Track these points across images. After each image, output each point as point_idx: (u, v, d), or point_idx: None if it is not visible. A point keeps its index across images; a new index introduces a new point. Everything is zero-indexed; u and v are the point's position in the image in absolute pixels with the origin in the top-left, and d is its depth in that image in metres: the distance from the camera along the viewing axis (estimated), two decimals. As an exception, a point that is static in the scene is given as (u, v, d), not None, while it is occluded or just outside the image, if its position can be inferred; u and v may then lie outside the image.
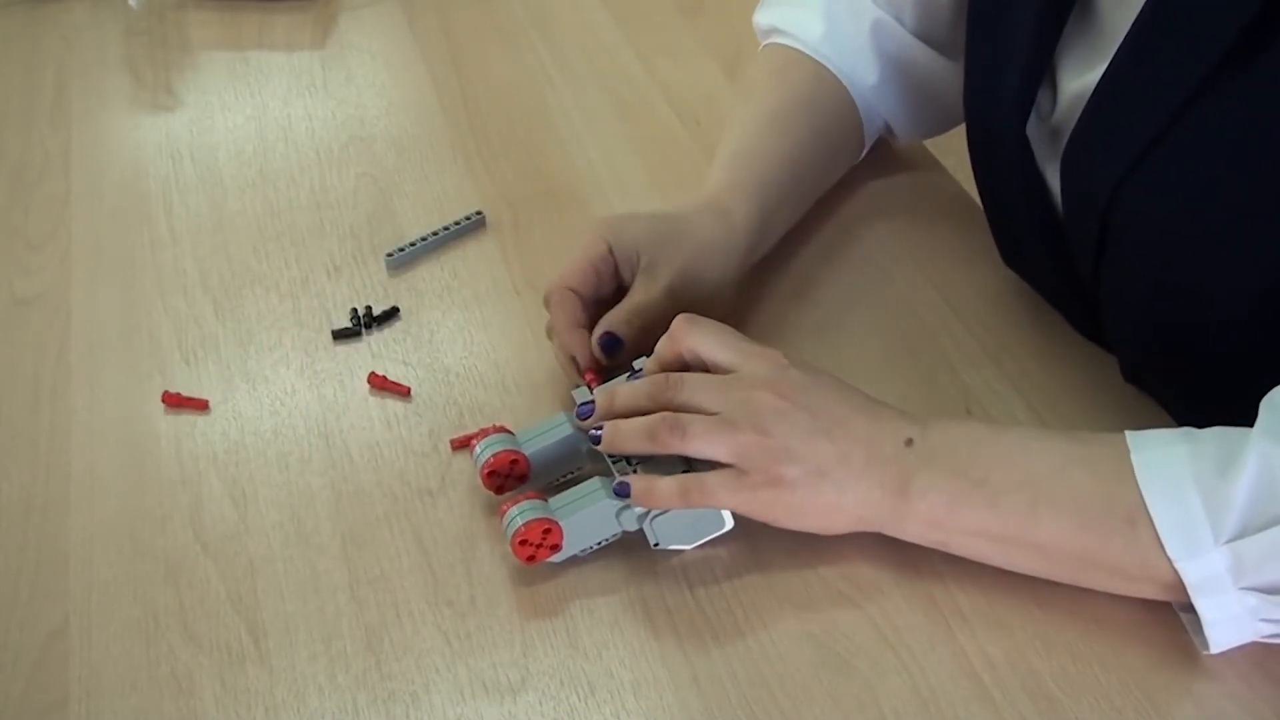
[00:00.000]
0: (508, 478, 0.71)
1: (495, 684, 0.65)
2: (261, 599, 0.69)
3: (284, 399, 0.80)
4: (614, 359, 0.74)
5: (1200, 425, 0.61)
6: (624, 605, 0.68)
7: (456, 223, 0.91)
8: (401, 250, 0.89)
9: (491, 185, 0.95)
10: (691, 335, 0.69)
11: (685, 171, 0.95)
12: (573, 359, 0.74)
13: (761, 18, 0.90)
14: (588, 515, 0.67)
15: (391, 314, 0.85)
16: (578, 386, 0.73)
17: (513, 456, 0.70)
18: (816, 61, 0.86)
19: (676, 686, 0.64)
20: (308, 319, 0.85)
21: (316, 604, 0.69)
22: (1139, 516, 0.59)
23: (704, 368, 0.69)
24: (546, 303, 0.76)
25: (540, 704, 0.64)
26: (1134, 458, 0.60)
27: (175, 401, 0.79)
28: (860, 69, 0.86)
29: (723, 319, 0.71)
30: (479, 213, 0.92)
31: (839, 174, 0.90)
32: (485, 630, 0.67)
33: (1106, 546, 0.61)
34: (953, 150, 0.93)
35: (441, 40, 1.11)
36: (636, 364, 0.72)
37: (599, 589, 0.68)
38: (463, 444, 0.75)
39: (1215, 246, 0.63)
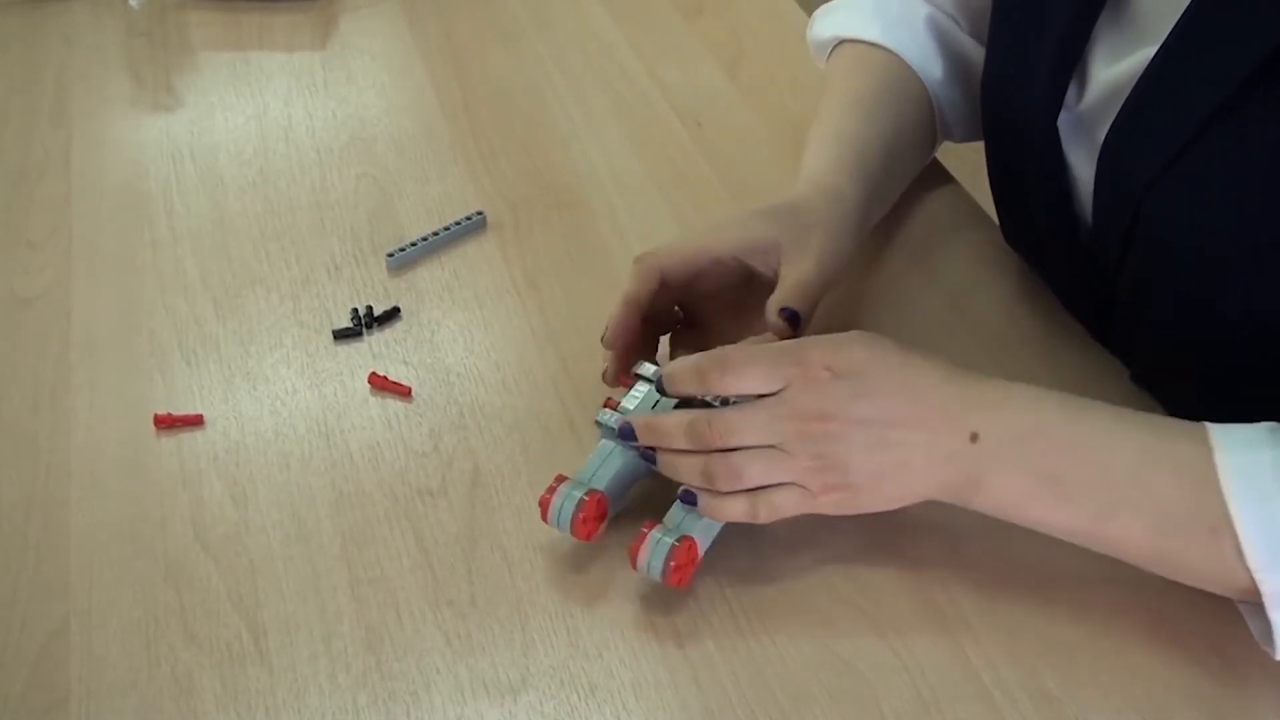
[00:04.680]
0: (598, 519, 0.69)
1: (495, 684, 0.65)
2: (261, 599, 0.69)
3: (284, 399, 0.80)
4: (796, 330, 0.73)
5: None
6: (624, 605, 0.68)
7: (457, 223, 0.91)
8: (402, 250, 0.89)
9: (491, 185, 0.95)
10: (729, 377, 0.65)
11: (685, 171, 0.95)
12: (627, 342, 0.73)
13: (820, 30, 0.90)
14: (704, 522, 0.67)
15: (392, 314, 0.85)
16: (602, 409, 0.71)
17: (598, 498, 0.68)
18: (890, 52, 0.86)
19: (676, 686, 0.64)
20: (308, 319, 0.85)
21: (316, 604, 0.69)
22: (1223, 525, 0.58)
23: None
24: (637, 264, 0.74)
25: (540, 704, 0.64)
26: (1217, 459, 0.58)
27: (168, 422, 0.78)
28: (927, 63, 0.86)
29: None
30: (479, 213, 0.92)
31: (923, 162, 0.89)
32: (485, 630, 0.67)
33: (1186, 552, 0.60)
34: (952, 149, 0.93)
35: (442, 41, 1.11)
36: (648, 371, 0.72)
37: (599, 589, 0.68)
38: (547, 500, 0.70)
39: (1246, 251, 0.63)
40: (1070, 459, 0.62)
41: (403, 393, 0.79)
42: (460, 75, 1.07)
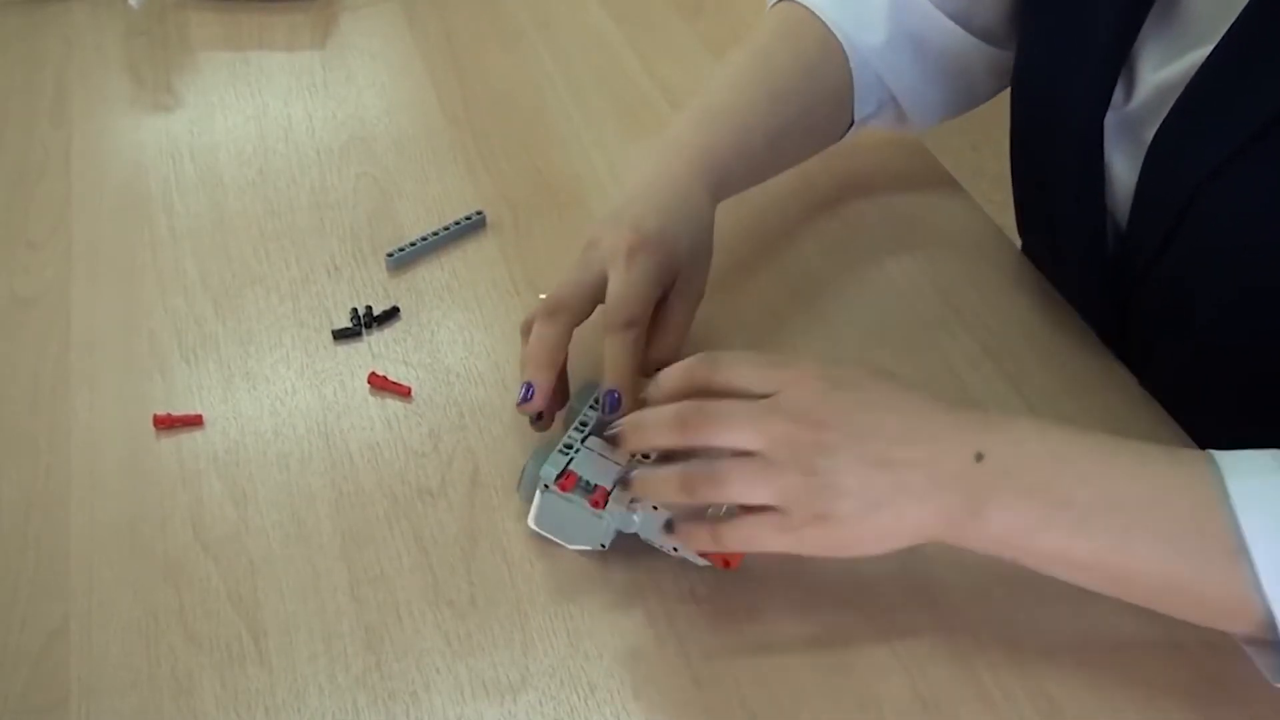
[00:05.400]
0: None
1: (495, 684, 0.65)
2: (261, 599, 0.69)
3: (284, 399, 0.80)
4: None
5: (1221, 438, 0.59)
6: (624, 605, 0.68)
7: (456, 223, 0.91)
8: (402, 250, 0.89)
9: (491, 185, 0.95)
10: (721, 370, 0.63)
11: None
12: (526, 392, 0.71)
13: None
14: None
15: (392, 314, 0.85)
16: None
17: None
18: (821, 23, 0.83)
19: (676, 686, 0.64)
20: (308, 319, 0.85)
21: (316, 604, 0.69)
22: (1237, 551, 0.55)
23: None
24: (617, 325, 0.70)
25: (540, 704, 0.64)
26: (1230, 486, 0.56)
27: (167, 423, 0.78)
28: (867, 32, 0.83)
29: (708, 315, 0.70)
30: (479, 213, 0.92)
31: (813, 152, 0.87)
32: (485, 630, 0.67)
33: (1200, 581, 0.57)
34: (950, 150, 0.93)
35: (442, 40, 1.11)
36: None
37: (599, 589, 0.68)
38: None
39: None
40: (1082, 485, 0.58)
41: (402, 393, 0.79)
42: (460, 75, 1.07)
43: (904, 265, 0.86)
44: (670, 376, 0.65)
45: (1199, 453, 0.58)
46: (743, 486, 0.60)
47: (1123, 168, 0.72)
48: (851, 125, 0.87)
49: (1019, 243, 0.88)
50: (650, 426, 0.63)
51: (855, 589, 0.67)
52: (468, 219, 0.91)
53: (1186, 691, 0.62)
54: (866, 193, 0.90)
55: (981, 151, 0.88)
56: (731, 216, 0.91)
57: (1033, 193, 0.81)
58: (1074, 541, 0.58)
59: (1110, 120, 0.72)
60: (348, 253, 0.90)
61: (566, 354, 0.72)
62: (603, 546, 0.68)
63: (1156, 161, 0.68)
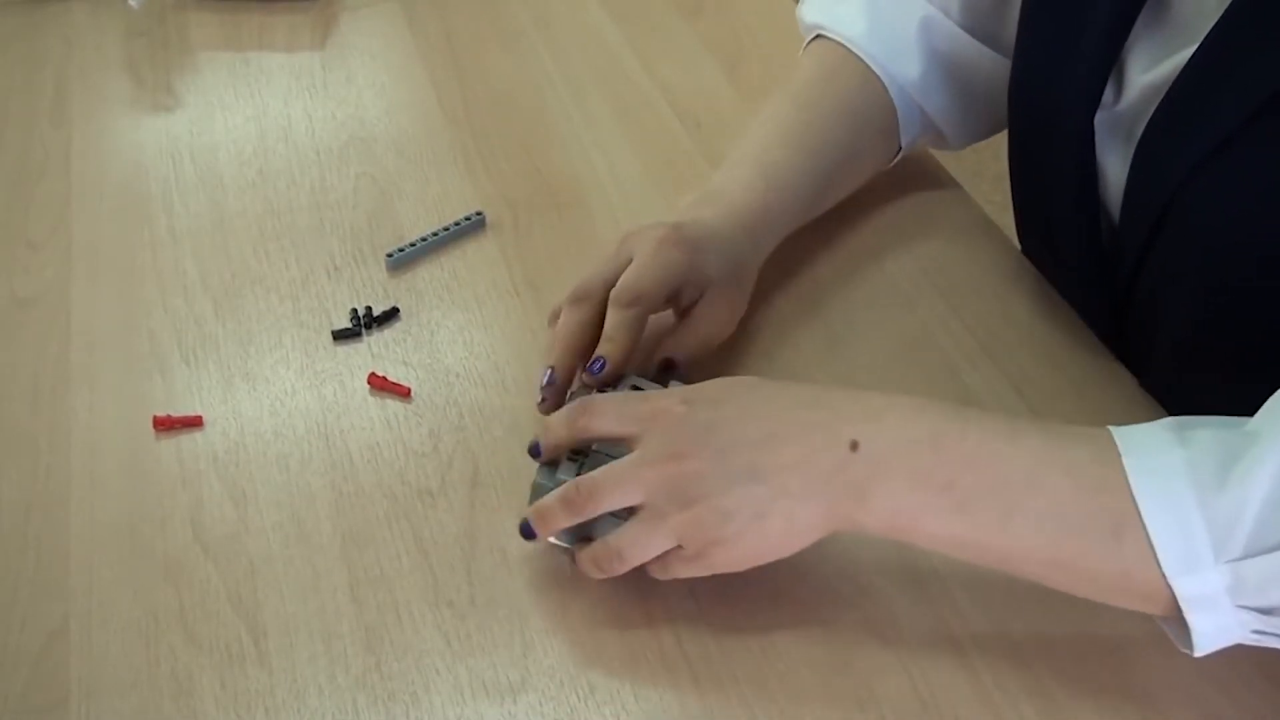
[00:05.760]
0: None
1: (495, 684, 0.65)
2: (261, 599, 0.69)
3: (284, 399, 0.80)
4: (675, 376, 0.73)
5: None
6: (624, 605, 0.68)
7: (456, 223, 0.91)
8: (401, 250, 0.89)
9: (491, 185, 0.95)
10: (588, 422, 0.65)
11: (685, 172, 0.95)
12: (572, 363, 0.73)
13: (805, 14, 0.90)
14: None
15: (391, 314, 0.85)
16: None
17: None
18: (861, 62, 0.85)
19: (676, 686, 0.64)
20: (308, 319, 0.85)
21: (316, 604, 0.69)
22: (1127, 526, 0.55)
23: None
24: (621, 301, 0.72)
25: (540, 704, 0.64)
26: (1125, 462, 0.56)
27: (167, 424, 0.78)
28: (904, 64, 0.85)
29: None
30: (479, 213, 0.92)
31: (863, 181, 0.89)
32: (485, 630, 0.67)
33: (1086, 558, 0.57)
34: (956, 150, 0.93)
35: (441, 41, 1.11)
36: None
37: (599, 589, 0.68)
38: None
39: (1272, 252, 0.62)
40: (961, 466, 0.58)
41: (402, 393, 0.79)
42: (460, 75, 1.07)
43: (904, 265, 0.86)
44: (552, 428, 0.67)
45: (1094, 430, 0.58)
46: (638, 549, 0.63)
47: (1114, 167, 0.73)
48: (899, 152, 0.89)
49: (1019, 243, 0.88)
50: (548, 513, 0.65)
51: (855, 589, 0.67)
52: (468, 219, 0.91)
53: (1187, 691, 0.62)
54: (867, 193, 0.90)
55: (981, 151, 0.87)
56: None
57: (1030, 194, 0.82)
58: (957, 524, 0.59)
59: (1101, 120, 0.73)
60: (348, 253, 0.90)
61: (595, 340, 0.73)
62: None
63: (1143, 160, 0.69)
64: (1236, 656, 0.62)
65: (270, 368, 0.82)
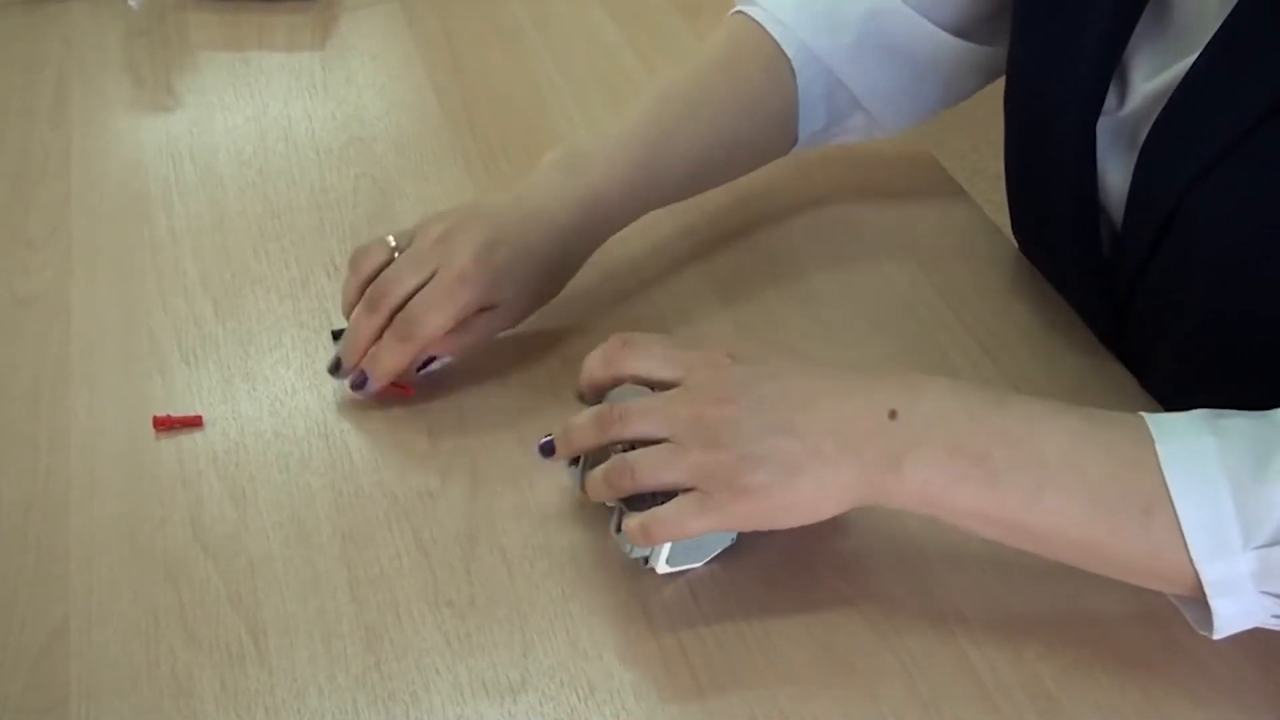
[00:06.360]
0: None
1: (495, 684, 0.65)
2: (261, 599, 0.69)
3: (284, 399, 0.80)
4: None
5: None
6: (624, 605, 0.68)
7: (456, 223, 0.91)
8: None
9: (491, 185, 0.95)
10: (626, 360, 0.65)
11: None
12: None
13: None
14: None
15: (391, 314, 0.85)
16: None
17: None
18: (773, 44, 0.83)
19: (676, 686, 0.64)
20: (308, 319, 0.85)
21: (316, 604, 0.69)
22: (1158, 508, 0.56)
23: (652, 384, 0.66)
24: (347, 300, 0.78)
25: (540, 704, 0.64)
26: (1159, 447, 0.57)
27: (167, 424, 0.78)
28: (834, 33, 0.83)
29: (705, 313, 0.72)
30: (479, 213, 0.92)
31: (745, 173, 0.88)
32: (485, 630, 0.67)
33: (1115, 535, 0.58)
34: (949, 150, 0.93)
35: (441, 41, 1.11)
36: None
37: (599, 589, 0.68)
38: None
39: (1277, 256, 0.62)
40: (998, 439, 0.59)
41: (404, 393, 0.79)
42: (460, 75, 1.07)
43: (904, 265, 0.86)
44: (589, 366, 0.67)
45: (1132, 415, 0.59)
46: (651, 471, 0.62)
47: (1116, 172, 0.72)
48: (794, 145, 0.87)
49: (1015, 243, 0.88)
50: (574, 432, 0.66)
51: (855, 589, 0.67)
52: (468, 219, 0.91)
53: (1187, 691, 0.62)
54: (866, 193, 0.90)
55: (981, 152, 0.87)
56: (731, 218, 0.91)
57: (1028, 195, 0.82)
58: (987, 497, 0.59)
59: (1103, 125, 0.73)
60: (347, 253, 0.90)
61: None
62: (732, 541, 0.67)
63: (1147, 166, 0.69)
64: (1236, 656, 0.62)
65: (270, 368, 0.82)
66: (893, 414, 0.60)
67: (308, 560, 0.71)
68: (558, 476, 0.73)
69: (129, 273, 0.90)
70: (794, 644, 0.65)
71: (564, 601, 0.68)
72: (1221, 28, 0.64)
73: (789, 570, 0.68)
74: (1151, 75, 0.70)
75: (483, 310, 0.76)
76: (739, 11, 0.86)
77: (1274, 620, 0.58)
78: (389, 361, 0.75)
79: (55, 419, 0.80)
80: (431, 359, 0.79)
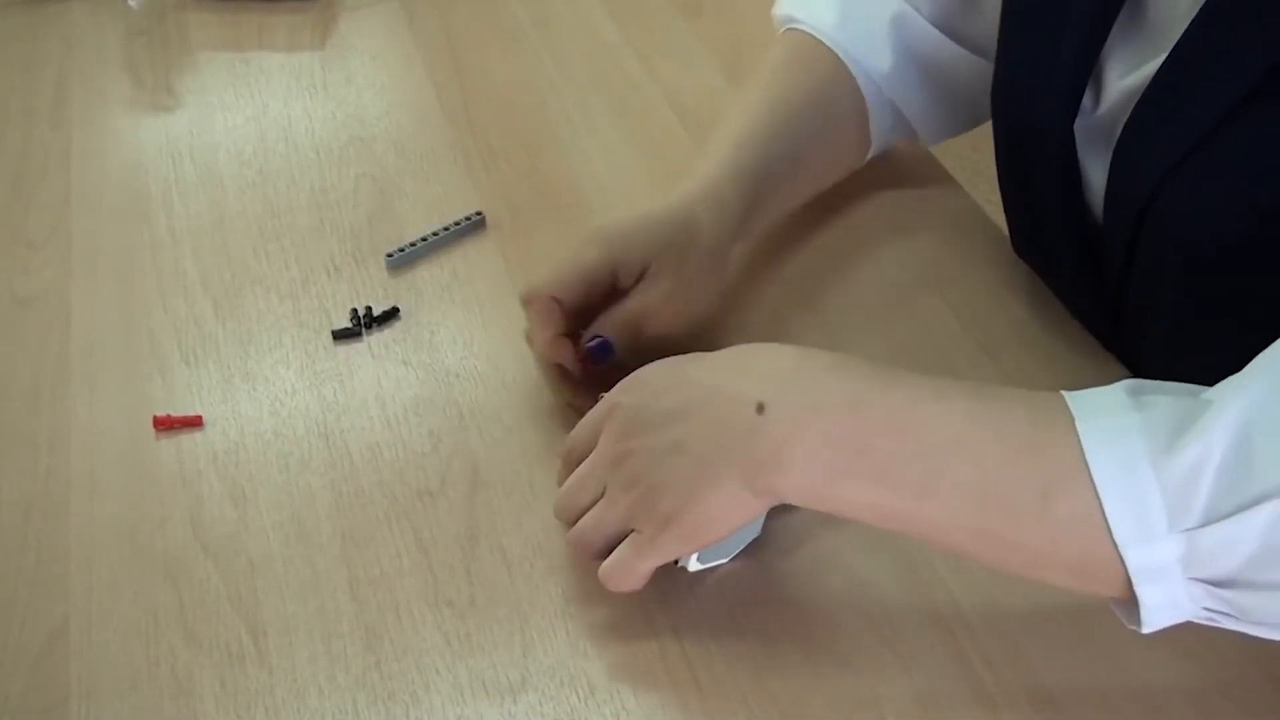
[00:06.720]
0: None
1: (495, 684, 0.65)
2: (261, 599, 0.69)
3: (284, 399, 0.80)
4: (603, 365, 0.73)
5: None
6: (624, 605, 0.68)
7: (456, 223, 0.91)
8: (401, 250, 0.89)
9: (491, 186, 0.95)
10: (567, 450, 0.67)
11: (685, 172, 0.95)
12: (558, 367, 0.74)
13: (777, 9, 0.90)
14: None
15: (391, 314, 0.85)
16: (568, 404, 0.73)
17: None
18: (831, 51, 0.85)
19: (676, 686, 0.64)
20: (308, 319, 0.85)
21: (316, 604, 0.69)
22: (1059, 492, 0.52)
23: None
24: (525, 305, 0.75)
25: (540, 704, 0.64)
26: (1079, 425, 0.53)
27: (167, 424, 0.78)
28: (874, 58, 0.85)
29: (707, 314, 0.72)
30: (479, 213, 0.92)
31: (839, 174, 0.89)
32: (485, 630, 0.67)
33: (1010, 524, 0.54)
34: (950, 150, 0.93)
35: (441, 41, 1.11)
36: None
37: (599, 589, 0.68)
38: None
39: (1252, 250, 0.62)
40: (880, 428, 0.55)
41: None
42: (460, 75, 1.07)
43: (904, 265, 0.86)
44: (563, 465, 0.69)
45: (1047, 394, 0.55)
46: (596, 532, 0.64)
47: (1096, 171, 0.73)
48: (870, 148, 0.88)
49: (1012, 245, 0.88)
50: (561, 514, 0.68)
51: (855, 589, 0.67)
52: (467, 219, 0.91)
53: (1187, 691, 0.62)
54: (866, 193, 0.90)
55: (981, 152, 0.87)
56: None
57: (1018, 199, 0.82)
58: (876, 491, 0.56)
59: (1080, 127, 0.73)
60: (348, 253, 0.90)
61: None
62: (757, 534, 0.68)
63: (1121, 164, 0.70)
64: (1236, 656, 0.62)
65: (270, 368, 0.82)
66: (760, 407, 0.57)
67: (308, 560, 0.71)
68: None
69: (129, 273, 0.90)
70: (794, 644, 0.65)
71: (564, 601, 0.68)
72: (1190, 26, 0.64)
73: (789, 570, 0.68)
74: (1125, 74, 0.70)
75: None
76: (791, 29, 0.88)
77: (1205, 614, 0.54)
78: (536, 335, 0.75)
79: (55, 419, 0.80)
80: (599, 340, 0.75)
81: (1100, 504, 0.52)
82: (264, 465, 0.76)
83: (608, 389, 0.67)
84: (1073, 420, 0.53)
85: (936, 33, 0.85)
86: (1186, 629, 0.62)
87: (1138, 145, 0.68)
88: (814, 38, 0.86)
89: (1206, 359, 0.69)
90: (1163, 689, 0.62)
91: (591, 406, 0.68)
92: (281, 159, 0.99)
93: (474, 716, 0.64)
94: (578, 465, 0.67)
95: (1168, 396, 0.54)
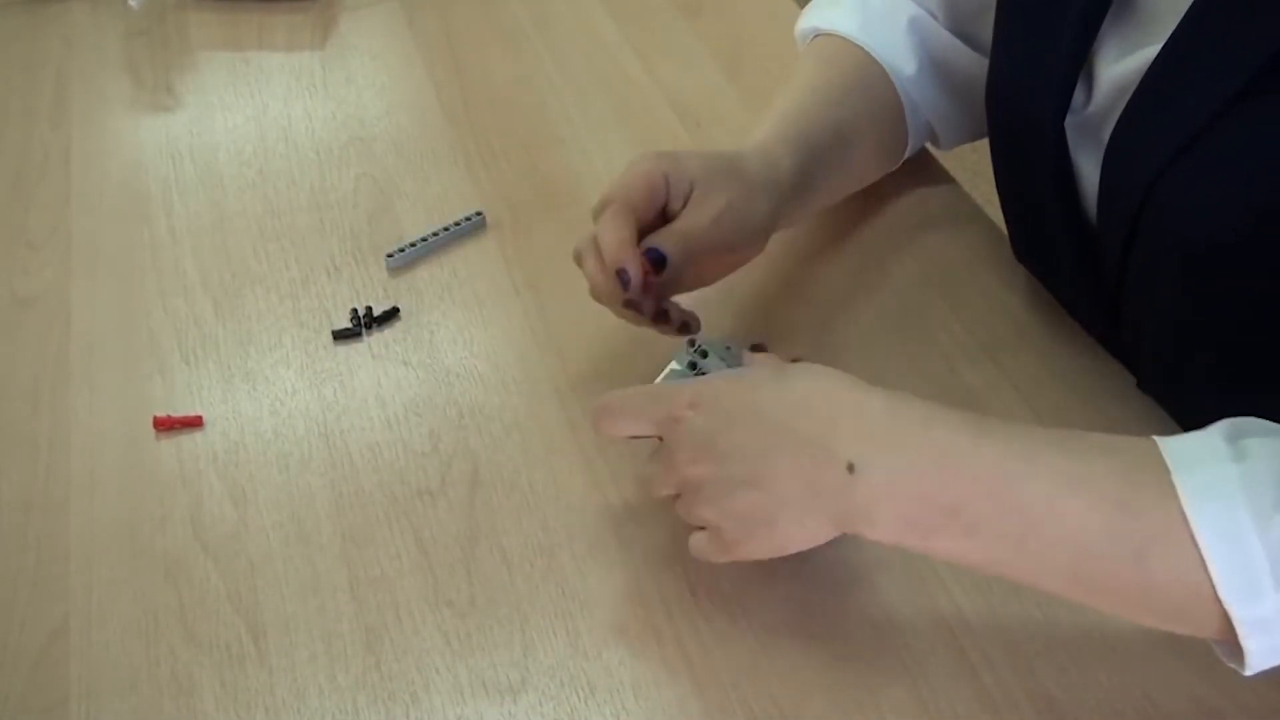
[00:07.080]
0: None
1: (495, 684, 0.65)
2: (261, 599, 0.69)
3: (284, 399, 0.80)
4: (660, 274, 0.73)
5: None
6: (624, 605, 0.68)
7: (456, 223, 0.91)
8: (401, 250, 0.89)
9: (491, 185, 0.95)
10: (615, 428, 0.67)
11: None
12: (619, 274, 0.72)
13: (800, 25, 0.91)
14: None
15: (391, 314, 0.85)
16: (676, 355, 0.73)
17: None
18: (863, 49, 0.86)
19: (676, 686, 0.64)
20: (308, 319, 0.85)
21: (316, 604, 0.69)
22: (1149, 548, 0.53)
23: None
24: (597, 215, 0.74)
25: (540, 704, 0.64)
26: (1178, 477, 0.53)
27: (167, 424, 0.78)
28: (899, 60, 0.86)
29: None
30: (479, 213, 0.92)
31: (882, 163, 0.88)
32: (485, 630, 0.67)
33: (1108, 578, 0.55)
34: (950, 151, 0.93)
35: (441, 41, 1.11)
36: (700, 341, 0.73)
37: (599, 589, 0.68)
38: None
39: (1249, 247, 0.62)
40: (970, 489, 0.56)
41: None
42: (460, 75, 1.07)
43: (904, 265, 0.86)
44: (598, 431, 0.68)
45: (1139, 442, 0.55)
46: (690, 517, 0.64)
47: (1088, 169, 0.73)
48: (908, 144, 0.88)
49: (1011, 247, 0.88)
50: (650, 479, 0.67)
51: (855, 589, 0.67)
52: (468, 219, 0.91)
53: (1187, 692, 0.62)
54: (867, 193, 0.90)
55: (981, 152, 0.87)
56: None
57: (1014, 199, 0.82)
58: (969, 546, 0.57)
59: (1071, 124, 0.73)
60: (348, 253, 0.90)
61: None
62: None
63: (1113, 161, 0.69)
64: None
65: (270, 368, 0.82)
66: (851, 467, 0.57)
67: (308, 560, 0.71)
68: (558, 476, 0.73)
69: (129, 273, 0.90)
70: (794, 644, 0.65)
71: (564, 601, 0.68)
72: (1184, 18, 0.64)
73: (789, 570, 0.68)
74: (1115, 61, 0.70)
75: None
76: (819, 36, 0.88)
77: None
78: (606, 240, 0.73)
79: (55, 419, 0.80)
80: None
81: (1204, 563, 0.52)
82: (264, 465, 0.76)
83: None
84: (1168, 472, 0.53)
85: (951, 37, 0.86)
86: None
87: (1131, 141, 0.68)
88: (844, 39, 0.86)
89: (1206, 358, 0.69)
90: (1163, 689, 0.62)
91: (645, 312, 0.72)
92: (281, 159, 0.99)
93: (474, 716, 0.64)
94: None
95: (1267, 441, 0.53)
